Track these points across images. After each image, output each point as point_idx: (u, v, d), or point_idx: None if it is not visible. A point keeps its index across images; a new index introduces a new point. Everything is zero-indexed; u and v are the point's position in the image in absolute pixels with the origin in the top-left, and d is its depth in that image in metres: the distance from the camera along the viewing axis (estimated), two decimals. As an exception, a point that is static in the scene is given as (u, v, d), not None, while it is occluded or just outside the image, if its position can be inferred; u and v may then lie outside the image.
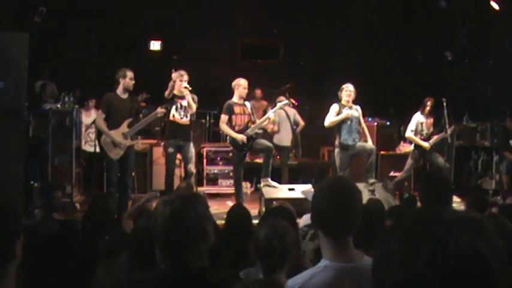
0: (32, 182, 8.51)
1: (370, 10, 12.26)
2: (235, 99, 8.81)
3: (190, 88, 8.36)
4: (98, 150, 8.90)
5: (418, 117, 9.87)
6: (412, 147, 10.02)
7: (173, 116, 8.40)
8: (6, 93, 6.35)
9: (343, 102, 9.19)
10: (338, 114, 9.11)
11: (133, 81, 8.10)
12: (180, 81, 8.34)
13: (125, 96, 8.09)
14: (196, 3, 12.69)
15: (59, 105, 9.55)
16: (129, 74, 8.08)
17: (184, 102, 8.38)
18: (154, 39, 13.17)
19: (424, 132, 9.83)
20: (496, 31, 11.52)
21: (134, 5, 12.49)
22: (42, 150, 9.09)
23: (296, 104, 11.22)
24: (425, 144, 9.72)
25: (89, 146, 10.17)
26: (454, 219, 1.09)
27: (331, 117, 9.10)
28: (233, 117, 8.73)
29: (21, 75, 6.51)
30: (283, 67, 13.83)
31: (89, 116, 10.37)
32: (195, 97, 8.47)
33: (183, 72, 8.46)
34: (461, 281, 1.03)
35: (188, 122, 8.49)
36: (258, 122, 8.92)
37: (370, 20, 12.36)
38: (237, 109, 8.75)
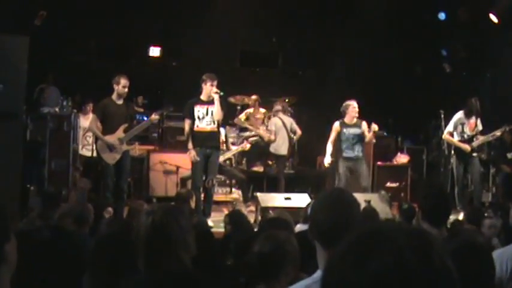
0: (28, 186, 8.48)
1: (369, 20, 12.29)
2: None
3: (221, 93, 8.05)
4: (94, 155, 8.86)
5: (458, 116, 8.98)
6: (452, 152, 9.13)
7: (197, 126, 8.10)
8: (4, 96, 6.36)
9: (346, 120, 9.08)
10: (339, 133, 9.06)
11: (127, 89, 7.94)
12: (211, 86, 8.03)
13: (120, 101, 8.01)
14: (197, 11, 12.70)
15: (57, 109, 9.53)
16: (123, 81, 7.87)
17: (212, 108, 8.07)
18: (154, 45, 13.17)
19: (466, 134, 8.93)
20: (494, 44, 11.55)
21: (135, 10, 12.49)
22: (39, 154, 9.05)
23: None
24: (465, 146, 8.87)
25: (86, 150, 10.13)
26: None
27: (330, 141, 9.13)
28: None
29: (20, 79, 6.53)
30: (281, 76, 13.83)
31: (87, 120, 10.29)
32: (224, 103, 8.21)
33: (213, 75, 8.17)
34: None
35: (216, 129, 8.17)
36: (233, 149, 9.98)
37: (369, 30, 12.39)
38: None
